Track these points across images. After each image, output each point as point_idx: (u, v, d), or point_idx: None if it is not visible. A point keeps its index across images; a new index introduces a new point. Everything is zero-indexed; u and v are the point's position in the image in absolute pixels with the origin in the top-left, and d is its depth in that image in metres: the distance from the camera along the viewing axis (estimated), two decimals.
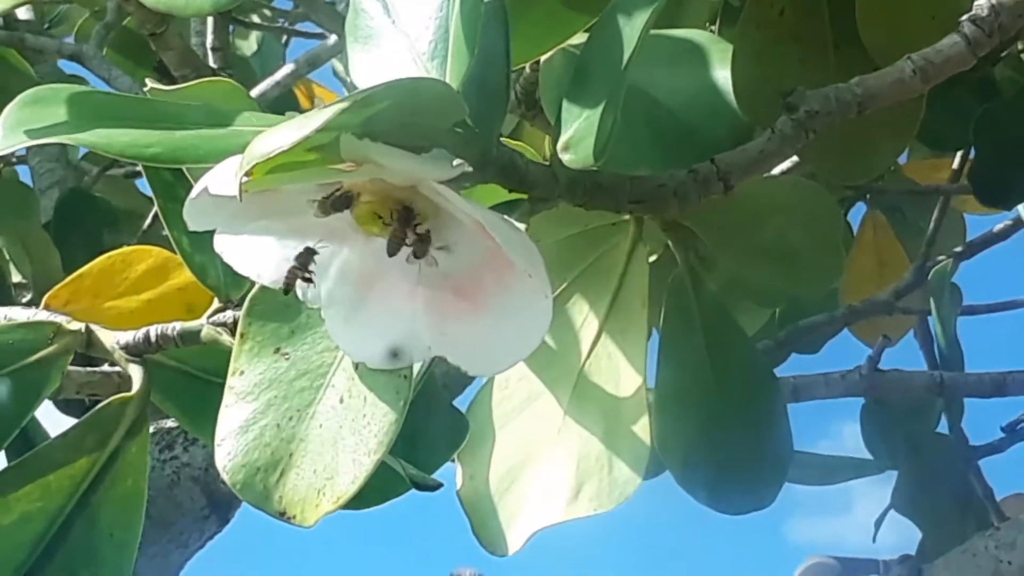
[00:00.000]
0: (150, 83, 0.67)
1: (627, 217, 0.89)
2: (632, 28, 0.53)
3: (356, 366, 0.57)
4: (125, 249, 0.83)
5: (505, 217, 0.52)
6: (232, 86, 0.65)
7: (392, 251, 0.52)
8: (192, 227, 0.53)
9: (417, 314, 0.55)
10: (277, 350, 0.58)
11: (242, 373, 0.58)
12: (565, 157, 0.54)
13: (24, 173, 1.73)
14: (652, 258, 0.96)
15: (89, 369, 0.80)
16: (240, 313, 0.60)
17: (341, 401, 0.56)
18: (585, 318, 0.84)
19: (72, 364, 0.72)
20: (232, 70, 0.98)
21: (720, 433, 0.88)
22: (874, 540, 1.54)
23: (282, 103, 1.31)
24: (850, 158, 0.75)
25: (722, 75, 0.73)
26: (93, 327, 0.73)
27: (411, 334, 0.55)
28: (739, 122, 0.71)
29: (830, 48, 0.72)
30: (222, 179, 0.50)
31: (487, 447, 0.79)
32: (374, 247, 0.55)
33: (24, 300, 1.33)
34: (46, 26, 1.90)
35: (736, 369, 0.90)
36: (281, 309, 0.59)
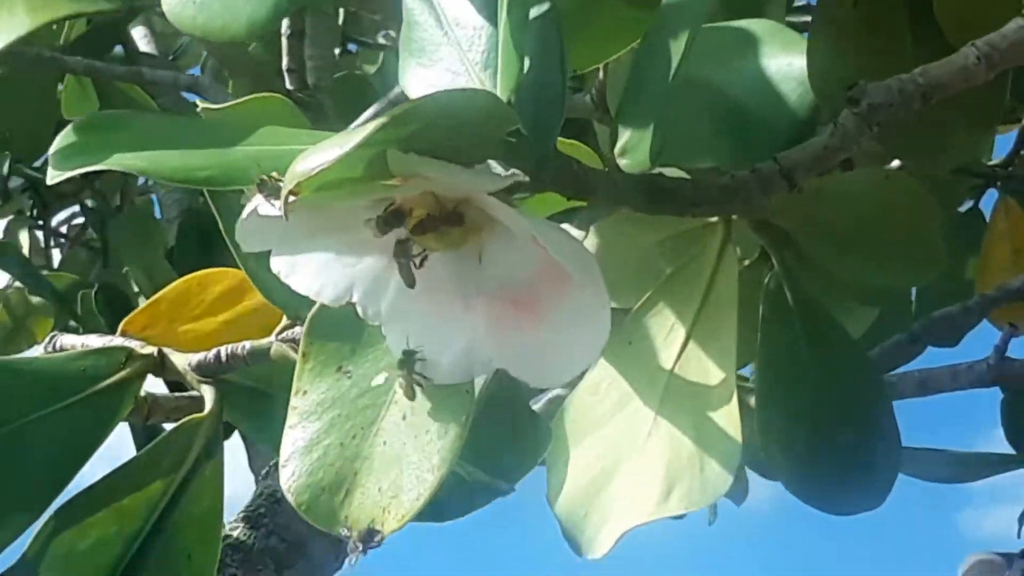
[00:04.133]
0: (200, 103, 0.69)
1: (716, 219, 0.90)
2: (679, 35, 0.54)
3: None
4: (201, 272, 0.86)
5: (560, 226, 0.54)
6: (281, 102, 0.67)
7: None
8: (246, 248, 0.55)
9: (477, 327, 0.57)
10: (339, 368, 0.60)
11: (305, 392, 0.60)
12: (622, 162, 0.56)
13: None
14: (747, 262, 0.97)
15: (177, 395, 0.82)
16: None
17: (404, 418, 0.58)
18: (675, 320, 0.85)
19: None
20: (309, 91, 1.01)
21: (825, 435, 0.89)
22: (1019, 535, 1.53)
23: None
24: (926, 149, 0.76)
25: (786, 63, 0.74)
26: (166, 350, 0.76)
27: (472, 347, 0.57)
28: (808, 111, 0.72)
29: (907, 36, 0.72)
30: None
31: (578, 451, 0.81)
32: (430, 261, 0.56)
33: None
34: (171, 58, 1.95)
35: (839, 369, 0.91)
36: (342, 327, 0.60)
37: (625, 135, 0.55)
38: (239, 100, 0.71)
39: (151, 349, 0.76)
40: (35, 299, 1.81)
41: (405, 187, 0.54)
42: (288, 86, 0.91)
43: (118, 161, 0.54)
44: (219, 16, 0.54)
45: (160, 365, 0.76)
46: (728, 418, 0.79)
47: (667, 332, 0.85)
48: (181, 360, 0.76)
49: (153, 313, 0.83)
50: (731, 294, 0.86)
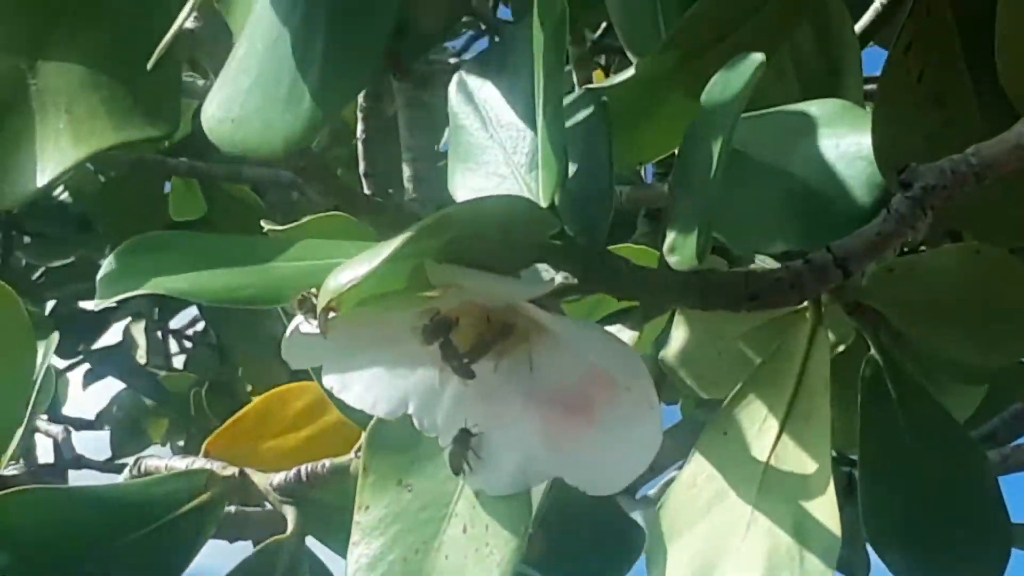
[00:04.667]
0: (265, 224, 0.69)
1: (805, 305, 0.89)
2: (718, 130, 0.54)
3: (477, 493, 0.58)
4: (282, 388, 0.86)
5: (604, 330, 0.53)
6: (346, 220, 0.68)
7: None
8: (294, 365, 0.55)
9: (532, 434, 0.56)
10: (399, 482, 0.60)
11: (367, 508, 0.60)
12: (671, 260, 0.55)
13: None
14: (843, 346, 0.96)
15: (264, 509, 0.83)
16: None
17: (464, 531, 0.57)
18: (768, 410, 0.84)
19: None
20: (384, 192, 1.01)
21: (932, 518, 0.88)
22: None
23: None
24: (1008, 226, 0.74)
25: (855, 142, 0.73)
26: (248, 471, 0.76)
27: (528, 456, 0.56)
28: (876, 190, 0.71)
29: (975, 108, 0.71)
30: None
31: (676, 547, 0.80)
32: (482, 371, 0.56)
33: None
34: None
35: (944, 456, 0.89)
36: (400, 440, 0.60)
37: (672, 233, 0.55)
38: (303, 220, 0.72)
39: (232, 470, 0.76)
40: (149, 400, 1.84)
41: (447, 297, 0.53)
42: (366, 190, 0.92)
43: (160, 285, 0.55)
44: (256, 133, 0.54)
45: (242, 486, 0.76)
46: (826, 511, 0.77)
47: (761, 422, 0.84)
48: (262, 480, 0.76)
49: (236, 431, 0.83)
50: (823, 381, 0.85)
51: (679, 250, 0.55)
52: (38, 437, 2.09)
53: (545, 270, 0.57)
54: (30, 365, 0.93)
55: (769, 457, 0.80)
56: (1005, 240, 0.76)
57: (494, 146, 0.61)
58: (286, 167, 0.96)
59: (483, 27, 1.96)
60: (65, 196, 1.88)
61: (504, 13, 1.75)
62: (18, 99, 0.62)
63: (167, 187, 1.78)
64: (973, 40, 0.71)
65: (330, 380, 0.58)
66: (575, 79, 1.33)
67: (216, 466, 0.77)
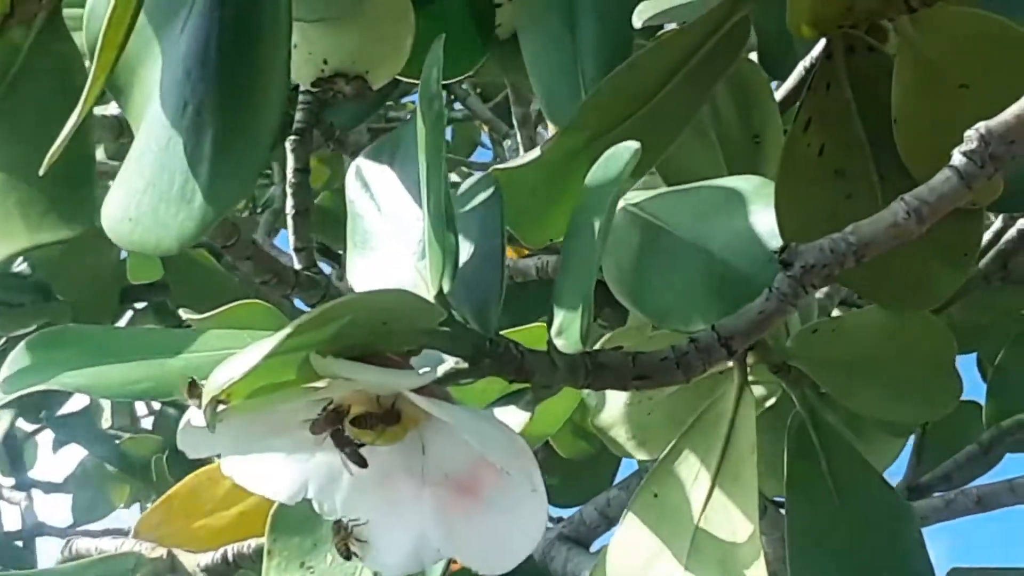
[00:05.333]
0: (184, 313, 0.71)
1: (731, 364, 0.91)
2: (599, 213, 0.56)
3: (375, 574, 0.60)
4: (210, 467, 0.87)
5: (488, 415, 0.55)
6: (264, 308, 0.69)
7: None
8: (192, 455, 0.57)
9: (425, 516, 0.58)
10: (302, 564, 0.62)
11: None
12: (558, 343, 0.57)
13: None
14: (770, 402, 0.98)
15: None
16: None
17: None
18: (698, 470, 0.86)
19: None
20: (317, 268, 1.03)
21: (856, 569, 0.90)
22: None
23: None
24: (906, 291, 0.76)
25: (771, 220, 0.75)
26: (176, 551, 0.78)
27: (422, 537, 0.58)
28: None
29: (875, 180, 0.73)
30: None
31: None
32: (377, 454, 0.58)
33: None
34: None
35: (864, 503, 0.91)
36: (303, 523, 0.62)
37: (559, 316, 0.56)
38: (221, 309, 0.74)
39: (161, 551, 0.78)
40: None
41: (336, 387, 0.55)
42: (296, 265, 0.94)
43: (61, 381, 0.56)
44: (152, 232, 0.56)
45: (171, 568, 0.78)
46: (753, 566, 0.80)
47: (692, 481, 0.87)
48: (191, 561, 0.78)
49: (167, 510, 0.85)
50: (750, 443, 0.87)
51: (566, 333, 0.57)
52: (4, 504, 2.11)
53: (436, 355, 0.59)
54: None
55: (699, 519, 0.83)
56: (895, 303, 0.78)
57: (389, 234, 0.63)
58: (217, 244, 0.98)
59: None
60: (23, 266, 1.89)
61: None
62: None
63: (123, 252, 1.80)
64: (872, 115, 0.74)
65: (230, 466, 0.59)
66: (519, 138, 1.35)
67: (145, 547, 0.78)
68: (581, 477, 1.60)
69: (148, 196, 0.57)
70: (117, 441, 1.95)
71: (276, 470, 0.60)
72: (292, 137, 1.00)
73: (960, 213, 0.71)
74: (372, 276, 0.62)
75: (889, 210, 0.59)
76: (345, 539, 0.57)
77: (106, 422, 2.03)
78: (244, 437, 0.58)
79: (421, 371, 0.57)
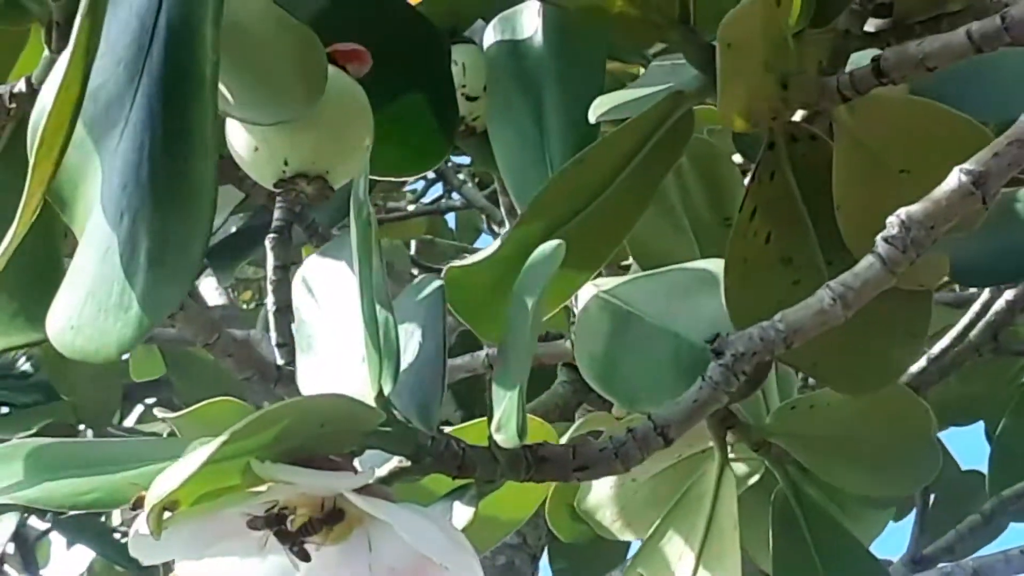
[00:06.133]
0: (159, 412, 0.73)
1: (711, 444, 0.93)
2: (529, 300, 0.57)
3: None
4: None
5: (422, 512, 0.56)
6: (236, 406, 0.71)
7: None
8: (146, 562, 0.59)
9: None
10: None
11: None
12: (498, 438, 0.58)
13: None
14: (755, 478, 1.00)
15: None
16: None
17: None
18: (683, 549, 0.88)
19: None
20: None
21: None
22: None
23: None
24: (858, 373, 0.78)
25: None
26: None
27: None
28: None
29: (822, 266, 0.75)
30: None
31: None
32: (326, 554, 0.59)
33: None
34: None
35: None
36: None
37: (497, 412, 0.58)
38: (192, 408, 0.76)
39: None
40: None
41: (278, 490, 0.57)
42: (279, 361, 0.95)
43: (14, 496, 0.58)
44: (93, 340, 0.58)
45: None
46: None
47: (677, 560, 0.88)
48: None
49: None
50: (732, 521, 0.89)
51: (504, 429, 0.59)
52: None
53: (380, 454, 0.61)
54: None
55: None
56: (848, 385, 0.80)
57: (332, 338, 0.64)
58: (199, 342, 1.00)
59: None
60: (27, 366, 1.93)
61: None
62: None
63: None
64: (817, 201, 0.75)
65: (184, 571, 0.61)
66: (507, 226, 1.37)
67: None
68: (589, 559, 1.61)
69: (88, 305, 0.59)
70: (125, 540, 1.97)
71: (230, 573, 0.61)
72: (271, 235, 1.02)
73: (908, 294, 0.73)
74: (318, 379, 0.64)
75: (816, 297, 0.60)
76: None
77: (116, 520, 2.05)
78: (195, 542, 0.59)
79: (362, 472, 0.58)
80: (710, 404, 0.61)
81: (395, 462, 0.61)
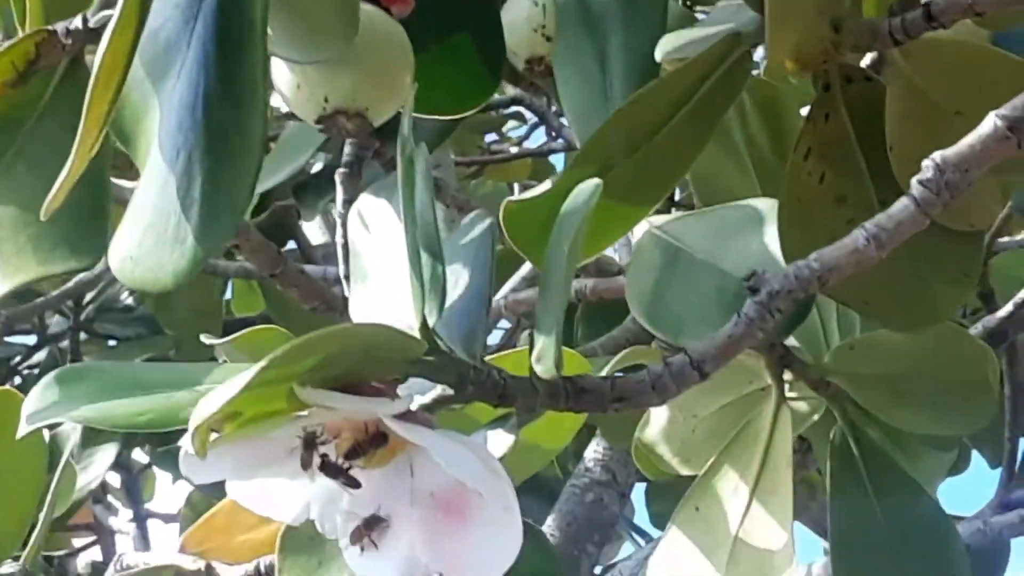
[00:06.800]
0: (206, 338, 0.76)
1: (769, 382, 0.94)
2: (568, 239, 0.59)
3: None
4: None
5: (459, 438, 0.58)
6: (278, 332, 0.73)
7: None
8: (196, 481, 0.61)
9: (413, 535, 0.61)
10: None
11: None
12: (537, 368, 0.60)
13: None
14: (815, 417, 1.01)
15: None
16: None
17: None
18: (737, 484, 0.90)
19: None
20: None
21: None
22: None
23: None
24: (909, 311, 0.78)
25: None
26: (215, 564, 0.82)
27: (410, 555, 0.61)
28: None
29: (876, 205, 0.75)
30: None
31: None
32: (371, 477, 0.61)
33: None
34: None
35: (910, 517, 0.94)
36: (309, 543, 0.66)
37: (538, 344, 0.60)
38: (240, 333, 0.78)
39: (200, 564, 0.82)
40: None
41: (321, 415, 0.59)
42: (347, 293, 0.98)
43: (77, 415, 0.61)
44: (150, 271, 0.60)
45: None
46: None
47: (731, 495, 0.90)
48: (227, 574, 0.82)
49: (210, 527, 0.89)
50: (786, 457, 0.90)
51: (543, 360, 0.60)
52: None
53: (424, 382, 0.63)
54: (37, 466, 0.99)
55: (738, 530, 0.86)
56: (898, 322, 0.80)
57: (384, 270, 0.66)
58: (264, 273, 1.03)
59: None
60: (130, 299, 1.97)
61: None
62: None
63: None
64: (871, 142, 0.76)
65: (235, 490, 0.63)
66: None
67: (186, 561, 0.83)
68: None
69: (147, 237, 0.61)
70: None
71: (279, 493, 0.63)
72: (341, 170, 1.04)
73: (960, 235, 0.74)
74: (369, 310, 0.66)
75: (851, 237, 0.61)
76: (366, 534, 0.61)
77: None
78: (244, 464, 0.61)
79: (402, 398, 0.60)
80: (745, 340, 0.62)
81: (438, 390, 0.62)
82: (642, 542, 2.07)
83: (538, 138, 2.44)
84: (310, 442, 0.59)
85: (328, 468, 0.60)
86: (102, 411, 0.61)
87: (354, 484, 0.61)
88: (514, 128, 2.54)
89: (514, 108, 2.17)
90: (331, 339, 0.56)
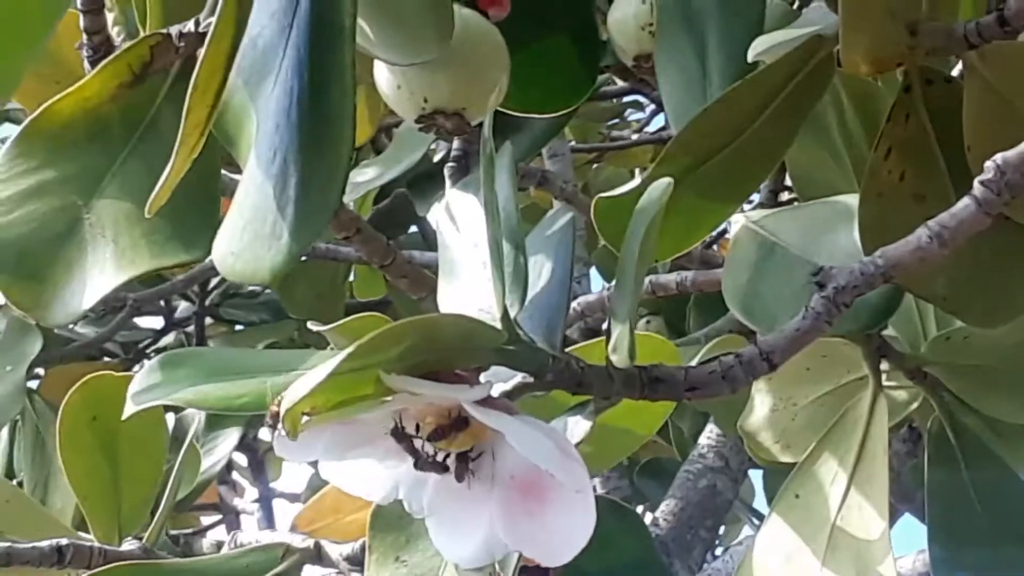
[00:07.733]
0: (312, 325, 0.80)
1: (866, 372, 0.96)
2: (641, 234, 0.62)
3: (456, 567, 0.67)
4: None
5: (536, 423, 0.62)
6: (379, 320, 0.77)
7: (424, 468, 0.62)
8: (290, 460, 0.65)
9: (493, 515, 0.65)
10: (397, 558, 0.69)
11: None
12: (614, 358, 0.63)
13: None
14: (914, 405, 1.03)
15: None
16: None
17: None
18: (836, 472, 0.92)
19: None
20: None
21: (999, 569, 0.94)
22: None
23: None
24: (988, 306, 0.80)
25: None
26: (324, 542, 0.86)
27: (490, 534, 0.65)
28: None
29: (954, 203, 0.77)
30: None
31: None
32: (451, 461, 0.65)
33: None
34: None
35: (1008, 507, 0.95)
36: (397, 521, 0.70)
37: (614, 334, 0.63)
38: (343, 321, 0.82)
39: (309, 542, 0.86)
40: None
41: (406, 400, 0.63)
42: None
43: (178, 397, 0.65)
44: (249, 265, 0.64)
45: (317, 557, 0.86)
46: (884, 563, 0.85)
47: (830, 483, 0.92)
48: (335, 551, 0.86)
49: (319, 508, 0.93)
50: (883, 446, 0.93)
51: (619, 349, 0.63)
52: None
53: (506, 370, 0.66)
54: (157, 448, 1.04)
55: (836, 517, 0.88)
56: (977, 318, 0.82)
57: (471, 263, 0.70)
58: (374, 263, 1.07)
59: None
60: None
61: None
62: (73, 232, 0.74)
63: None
64: (950, 142, 0.78)
65: (327, 470, 0.67)
66: None
67: (296, 539, 0.87)
68: None
69: (246, 234, 0.65)
70: None
71: (369, 474, 0.67)
72: (449, 164, 1.08)
73: None
74: (456, 301, 0.70)
75: (915, 235, 0.64)
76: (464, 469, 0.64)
77: None
78: (335, 445, 0.65)
79: (482, 384, 0.63)
80: (812, 333, 0.64)
81: (518, 378, 0.66)
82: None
83: (659, 122, 2.46)
84: (402, 433, 0.63)
85: (414, 455, 0.64)
86: (200, 393, 0.65)
87: (442, 470, 0.64)
88: (633, 113, 2.56)
89: (632, 97, 2.19)
90: (416, 328, 0.60)
